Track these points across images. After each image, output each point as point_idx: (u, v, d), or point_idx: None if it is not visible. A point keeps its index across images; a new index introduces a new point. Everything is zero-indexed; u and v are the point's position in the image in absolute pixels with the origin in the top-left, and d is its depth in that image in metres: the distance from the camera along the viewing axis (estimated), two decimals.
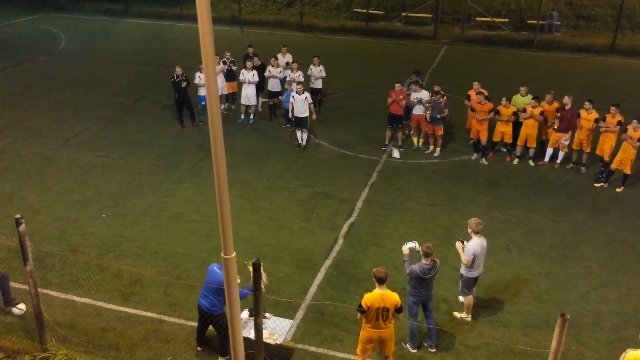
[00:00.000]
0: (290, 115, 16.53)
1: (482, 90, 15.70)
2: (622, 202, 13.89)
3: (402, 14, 31.19)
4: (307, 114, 16.18)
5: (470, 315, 10.02)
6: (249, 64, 17.50)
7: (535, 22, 28.34)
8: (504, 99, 15.45)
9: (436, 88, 15.71)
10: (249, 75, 17.39)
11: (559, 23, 29.33)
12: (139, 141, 16.84)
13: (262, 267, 7.56)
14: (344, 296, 10.61)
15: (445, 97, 15.84)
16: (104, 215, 13.07)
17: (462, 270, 9.67)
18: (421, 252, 8.76)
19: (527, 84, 16.23)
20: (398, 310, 8.15)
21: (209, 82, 5.49)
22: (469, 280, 9.71)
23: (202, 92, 17.52)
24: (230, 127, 17.96)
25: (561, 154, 15.41)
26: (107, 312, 10.15)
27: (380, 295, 7.99)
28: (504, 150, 16.19)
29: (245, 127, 17.96)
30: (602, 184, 14.56)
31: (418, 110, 16.04)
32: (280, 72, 17.73)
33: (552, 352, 6.53)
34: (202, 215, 13.12)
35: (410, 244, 8.95)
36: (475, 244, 9.40)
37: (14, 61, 24.31)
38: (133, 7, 33.52)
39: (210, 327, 8.97)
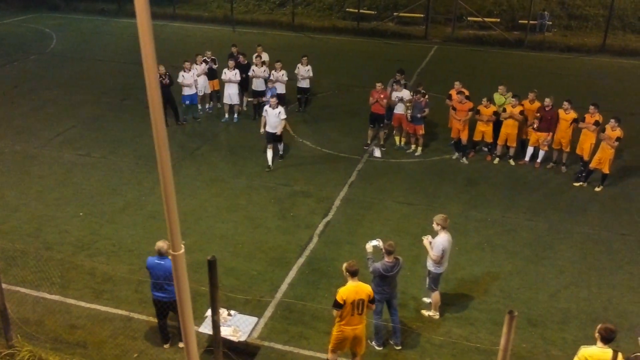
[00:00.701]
0: (261, 130, 15.39)
1: (462, 89, 15.72)
2: (600, 202, 13.90)
3: (394, 13, 31.23)
4: (280, 131, 15.07)
5: (438, 313, 10.07)
6: (231, 63, 17.54)
7: (526, 22, 28.33)
8: (484, 98, 15.47)
9: (418, 95, 15.68)
10: (231, 75, 17.43)
11: (550, 23, 29.33)
12: (121, 140, 16.90)
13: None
14: (314, 294, 10.65)
15: (426, 97, 15.86)
16: (81, 214, 13.13)
17: (430, 267, 9.72)
18: (383, 250, 8.78)
19: (516, 84, 16.35)
20: (371, 301, 8.28)
21: (150, 84, 5.52)
22: (438, 276, 9.78)
23: (185, 91, 17.56)
24: (214, 125, 18.04)
25: (541, 153, 15.43)
26: (76, 310, 10.20)
27: (354, 288, 8.10)
28: (485, 149, 16.20)
29: (229, 126, 18.01)
30: (581, 183, 14.58)
31: (399, 110, 16.07)
32: (264, 71, 17.75)
33: (501, 350, 6.53)
34: (180, 213, 13.09)
35: (374, 242, 8.98)
36: (443, 240, 9.48)
37: (4, 60, 24.40)
38: (127, 7, 33.55)
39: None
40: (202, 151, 16.29)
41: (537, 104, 15.29)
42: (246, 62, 18.37)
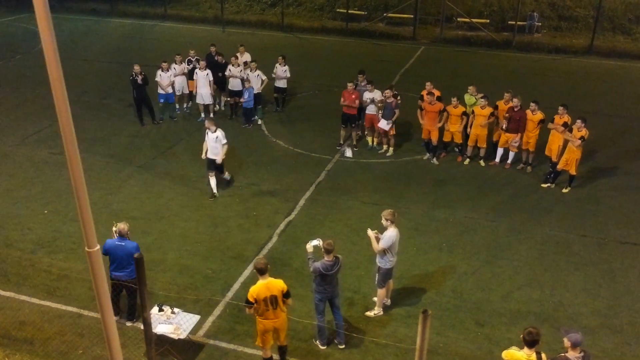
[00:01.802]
0: (202, 155, 13.78)
1: (433, 90, 15.71)
2: (566, 203, 13.86)
3: (385, 14, 31.23)
4: (221, 158, 13.58)
5: (381, 309, 10.15)
6: (202, 63, 17.61)
7: (517, 23, 28.25)
8: (454, 98, 15.41)
9: (389, 92, 15.63)
10: (202, 74, 17.50)
11: (539, 24, 29.26)
12: (96, 138, 17.00)
13: None
14: None
15: (397, 98, 15.88)
16: (45, 211, 13.23)
17: (380, 263, 9.77)
18: (323, 249, 8.81)
19: (499, 85, 16.38)
20: (286, 295, 8.32)
21: (54, 81, 5.60)
22: (387, 271, 9.83)
23: (161, 90, 17.68)
24: (190, 125, 18.12)
25: (511, 155, 15.41)
26: (28, 306, 10.29)
27: (264, 285, 8.16)
28: (457, 150, 16.17)
29: (204, 125, 18.03)
30: (549, 184, 14.55)
31: (371, 110, 16.07)
32: (241, 71, 17.81)
33: (417, 349, 6.52)
34: (142, 212, 13.23)
35: (314, 242, 9.02)
36: (392, 234, 9.54)
37: None
38: (119, 7, 33.78)
39: None
40: (174, 150, 16.36)
41: (511, 105, 15.23)
42: (224, 61, 18.43)
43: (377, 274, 10.01)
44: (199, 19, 32.12)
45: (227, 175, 14.25)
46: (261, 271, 8.23)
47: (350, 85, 16.07)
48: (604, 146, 16.67)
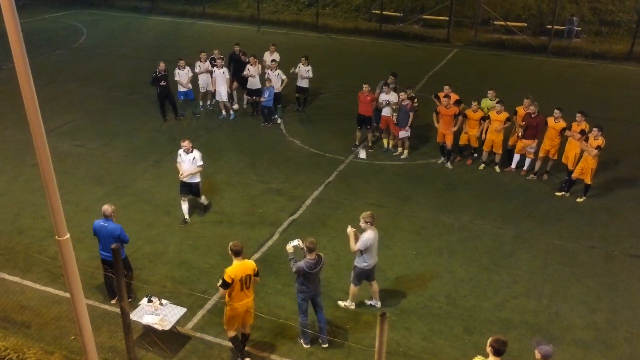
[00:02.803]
0: (182, 177, 12.55)
1: (450, 93, 15.53)
2: (578, 213, 13.48)
3: (421, 16, 30.98)
4: (198, 179, 12.67)
5: (353, 303, 10.29)
6: (219, 61, 17.90)
7: (555, 27, 27.54)
8: (474, 102, 15.22)
9: (404, 95, 15.51)
10: (219, 73, 17.78)
11: (579, 28, 28.46)
12: (118, 132, 17.49)
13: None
14: (258, 289, 10.74)
15: (414, 101, 15.78)
16: (60, 201, 13.66)
17: (356, 262, 9.83)
18: (305, 248, 8.87)
19: (527, 90, 15.93)
20: (256, 274, 8.81)
21: (22, 79, 5.86)
22: (363, 271, 9.89)
23: (180, 88, 18.07)
24: (210, 122, 18.43)
25: (528, 161, 15.08)
26: (31, 291, 10.70)
27: (240, 266, 8.56)
28: (475, 155, 15.92)
29: (224, 123, 18.35)
30: (563, 193, 14.17)
31: (387, 112, 16.00)
32: (270, 69, 17.99)
33: (376, 352, 6.51)
34: (151, 205, 13.55)
35: (294, 243, 9.10)
36: (370, 235, 9.58)
37: (32, 54, 25.08)
38: (159, 5, 34.59)
39: None
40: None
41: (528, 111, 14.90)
42: (247, 61, 18.66)
43: (352, 272, 10.08)
44: (235, 18, 32.55)
45: (204, 199, 13.15)
46: (237, 253, 8.62)
47: (365, 87, 16.04)
48: (629, 156, 16.11)
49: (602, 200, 14.02)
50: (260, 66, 18.13)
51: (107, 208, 10.02)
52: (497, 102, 15.04)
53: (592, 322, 10.07)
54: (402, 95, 15.47)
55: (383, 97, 15.95)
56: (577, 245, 12.22)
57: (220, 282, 8.56)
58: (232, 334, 8.96)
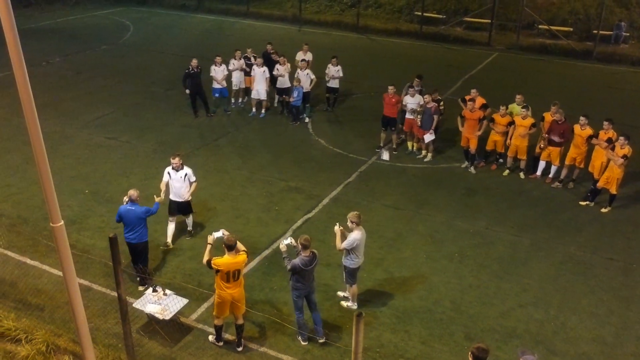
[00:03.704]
0: (158, 197, 11.33)
1: (473, 97, 15.32)
2: (601, 223, 13.09)
3: (464, 18, 30.57)
4: (188, 197, 11.88)
5: (356, 304, 10.33)
6: (259, 60, 18.17)
7: (601, 32, 26.70)
8: (502, 106, 14.98)
9: (429, 97, 15.40)
10: (259, 71, 18.03)
11: (627, 34, 27.51)
12: (150, 127, 17.98)
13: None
14: (264, 285, 10.97)
15: (440, 104, 15.66)
16: (86, 191, 14.21)
17: (344, 262, 9.91)
18: (300, 246, 8.99)
19: (567, 96, 15.55)
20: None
21: (19, 82, 6.17)
22: (352, 270, 9.96)
23: (215, 84, 18.43)
24: (240, 119, 18.72)
25: (553, 168, 14.73)
26: (48, 276, 11.16)
27: (231, 260, 8.84)
28: (501, 160, 15.65)
29: (254, 120, 18.61)
30: (587, 202, 13.79)
31: (411, 115, 15.91)
32: (288, 68, 18.20)
33: (353, 352, 6.53)
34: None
35: (287, 241, 9.30)
36: (357, 235, 9.68)
37: (79, 48, 26.52)
38: (205, 3, 35.28)
39: None
40: (219, 143, 17.00)
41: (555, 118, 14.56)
42: (277, 60, 18.87)
43: (343, 272, 10.15)
44: (278, 18, 32.89)
45: (191, 221, 12.30)
46: (230, 247, 8.84)
47: (391, 89, 16.00)
48: None
49: (627, 211, 13.58)
50: (289, 65, 18.30)
51: (133, 193, 10.57)
52: (522, 107, 14.74)
53: (600, 336, 9.79)
54: (427, 97, 15.36)
55: (407, 100, 15.87)
56: (595, 257, 11.87)
57: (205, 261, 9.03)
58: (217, 322, 9.28)
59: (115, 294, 10.61)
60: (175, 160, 11.63)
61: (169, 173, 11.76)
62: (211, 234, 9.41)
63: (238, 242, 9.14)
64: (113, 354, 9.06)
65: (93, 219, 13.08)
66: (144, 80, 22.38)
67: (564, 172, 14.53)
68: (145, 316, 9.95)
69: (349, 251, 9.75)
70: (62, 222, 7.16)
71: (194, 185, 11.90)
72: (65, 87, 21.30)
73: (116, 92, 20.99)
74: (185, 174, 11.71)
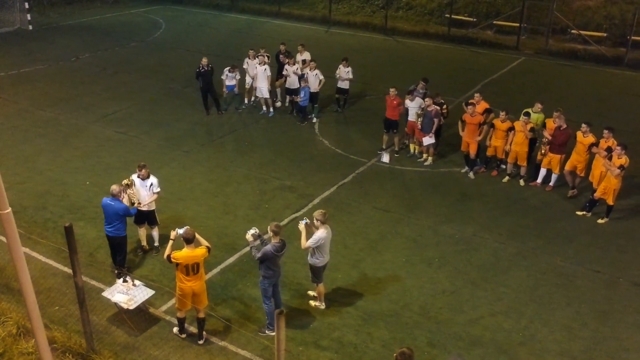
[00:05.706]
0: (132, 204, 11.03)
1: (474, 101, 15.10)
2: (594, 235, 12.70)
3: (492, 21, 30.05)
4: (154, 207, 11.74)
5: (323, 303, 10.36)
6: (261, 58, 18.34)
7: (634, 38, 25.79)
8: (502, 112, 14.67)
9: (429, 101, 15.26)
10: (260, 70, 18.23)
11: None
12: (161, 122, 18.41)
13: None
14: (238, 280, 11.13)
15: (443, 107, 15.51)
16: (87, 183, 14.69)
17: (310, 261, 9.97)
18: (271, 232, 9.27)
19: (590, 103, 15.15)
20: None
21: None
22: (318, 269, 10.01)
23: (228, 81, 18.79)
24: (249, 118, 18.97)
25: (554, 176, 14.37)
26: (35, 262, 11.55)
27: (189, 253, 9.03)
28: (503, 166, 15.37)
29: (263, 119, 18.82)
30: (584, 212, 13.41)
31: (413, 117, 15.80)
32: (297, 69, 18.31)
33: (276, 349, 6.60)
34: (167, 192, 14.03)
35: (252, 231, 9.41)
36: (322, 233, 9.73)
37: (108, 45, 27.34)
38: (238, 3, 35.76)
39: None
40: (224, 140, 17.27)
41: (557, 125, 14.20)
42: (286, 61, 18.99)
43: (310, 271, 10.21)
44: (308, 18, 33.04)
45: (156, 234, 12.05)
46: (188, 241, 9.03)
47: (392, 91, 15.93)
48: None
49: (624, 223, 13.14)
50: (297, 66, 18.42)
51: (115, 188, 10.69)
52: (523, 114, 14.44)
53: (568, 349, 9.53)
54: (427, 100, 15.22)
55: (407, 104, 15.80)
56: (581, 268, 11.54)
57: (165, 255, 9.22)
58: (180, 314, 9.49)
59: (94, 282, 11.13)
60: (142, 172, 11.43)
61: (133, 181, 11.41)
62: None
63: (199, 237, 9.33)
64: (75, 338, 9.36)
65: (89, 210, 13.51)
66: (165, 77, 22.89)
67: (569, 179, 14.09)
68: (113, 305, 10.23)
69: (314, 250, 9.81)
70: (9, 209, 7.46)
71: (155, 195, 11.62)
72: (88, 82, 22.00)
73: (136, 88, 21.56)
74: (151, 184, 11.54)
